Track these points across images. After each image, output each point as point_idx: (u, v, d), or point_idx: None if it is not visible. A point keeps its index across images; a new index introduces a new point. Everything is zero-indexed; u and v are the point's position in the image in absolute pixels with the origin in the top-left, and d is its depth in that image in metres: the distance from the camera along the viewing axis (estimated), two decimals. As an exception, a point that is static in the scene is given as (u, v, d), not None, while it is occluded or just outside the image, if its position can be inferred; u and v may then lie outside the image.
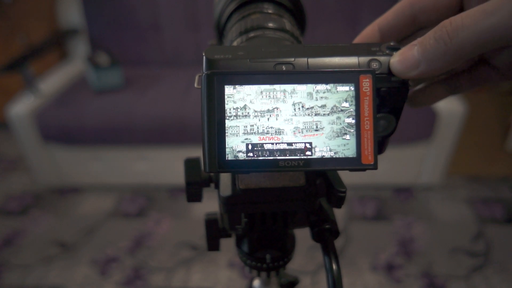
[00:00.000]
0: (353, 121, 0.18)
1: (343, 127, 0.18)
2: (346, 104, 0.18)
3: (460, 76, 0.26)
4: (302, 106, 0.18)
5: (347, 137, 0.18)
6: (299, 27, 0.30)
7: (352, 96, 0.18)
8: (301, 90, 0.18)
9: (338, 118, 0.18)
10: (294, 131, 0.18)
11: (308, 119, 0.18)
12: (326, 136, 0.18)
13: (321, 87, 0.18)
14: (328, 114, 0.18)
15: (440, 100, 0.28)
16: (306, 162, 0.19)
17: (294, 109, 0.18)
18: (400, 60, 0.19)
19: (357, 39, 0.25)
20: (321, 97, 0.18)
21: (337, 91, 0.18)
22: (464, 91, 0.27)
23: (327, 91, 0.18)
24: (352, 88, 0.18)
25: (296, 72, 0.19)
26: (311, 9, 1.69)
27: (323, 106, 0.18)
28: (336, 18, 1.75)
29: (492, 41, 0.16)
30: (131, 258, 1.33)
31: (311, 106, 0.18)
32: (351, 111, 0.18)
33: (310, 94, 0.18)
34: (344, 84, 0.18)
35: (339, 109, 0.18)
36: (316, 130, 0.18)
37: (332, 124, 0.18)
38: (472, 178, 1.68)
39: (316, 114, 0.18)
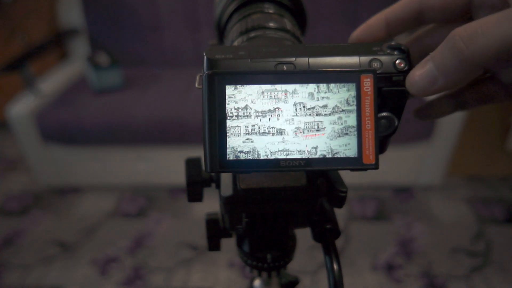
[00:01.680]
0: (355, 121, 0.19)
1: (344, 127, 0.18)
2: (347, 104, 0.18)
3: (467, 93, 0.26)
4: (304, 106, 0.18)
5: (348, 137, 0.18)
6: (300, 27, 0.30)
7: (354, 96, 0.18)
8: (303, 90, 0.18)
9: (340, 118, 0.18)
10: (295, 131, 0.18)
11: (309, 119, 0.18)
12: (327, 136, 0.18)
13: (322, 87, 0.18)
14: (330, 114, 0.18)
15: (447, 115, 0.28)
16: (307, 162, 0.19)
17: (296, 109, 0.18)
18: (416, 80, 0.18)
19: (363, 27, 0.25)
20: (323, 97, 0.18)
21: (338, 91, 0.18)
22: (471, 108, 0.26)
23: (329, 91, 0.18)
24: (354, 88, 0.18)
25: (297, 72, 0.19)
26: (311, 9, 1.69)
27: (325, 106, 0.18)
28: (336, 18, 1.75)
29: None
30: (131, 258, 1.33)
31: (312, 106, 0.18)
32: (352, 111, 0.18)
33: (311, 94, 0.18)
34: (345, 84, 0.18)
35: (341, 109, 0.18)
36: (318, 130, 0.18)
37: (333, 124, 0.18)
38: (472, 178, 1.68)
39: (317, 114, 0.18)
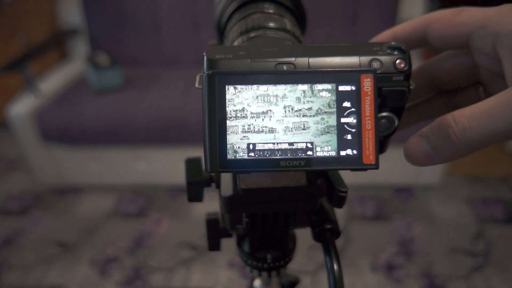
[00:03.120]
0: (355, 121, 0.19)
1: (326, 126, 0.19)
2: (328, 107, 0.19)
3: (459, 96, 0.27)
4: (292, 109, 0.19)
5: (330, 134, 0.19)
6: (300, 26, 0.30)
7: (334, 100, 0.19)
8: (291, 95, 0.19)
9: (322, 119, 0.19)
10: (285, 130, 0.19)
11: (296, 119, 0.19)
12: (312, 134, 0.19)
13: (308, 92, 0.19)
14: (314, 116, 0.19)
15: (439, 116, 0.28)
16: (307, 162, 0.19)
17: (285, 111, 0.19)
18: (415, 157, 0.20)
19: (374, 40, 0.26)
20: (308, 101, 0.19)
21: (321, 96, 0.19)
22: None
23: (313, 96, 0.19)
24: (334, 93, 0.19)
25: (297, 72, 0.19)
26: (311, 9, 1.69)
27: (310, 108, 0.19)
28: (336, 18, 1.75)
29: (499, 140, 0.18)
30: (131, 258, 1.33)
31: (299, 108, 0.19)
32: (333, 113, 0.19)
33: (298, 99, 0.19)
34: (328, 90, 0.19)
35: (323, 111, 0.19)
36: (303, 129, 0.19)
37: (317, 124, 0.19)
38: (472, 178, 1.68)
39: (303, 116, 0.19)
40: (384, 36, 0.26)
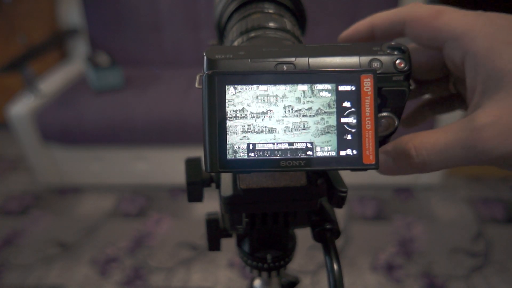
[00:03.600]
0: (355, 121, 0.19)
1: (326, 126, 0.19)
2: (328, 107, 0.19)
3: (441, 105, 0.29)
4: (292, 109, 0.19)
5: (330, 135, 0.19)
6: (300, 26, 0.30)
7: (334, 100, 0.19)
8: (291, 95, 0.19)
9: (322, 119, 0.19)
10: (284, 130, 0.19)
11: (296, 119, 0.19)
12: (312, 134, 0.19)
13: (308, 92, 0.19)
14: (314, 116, 0.19)
15: (428, 120, 0.31)
16: (307, 162, 0.19)
17: (285, 112, 0.19)
18: (383, 169, 0.23)
19: (351, 30, 0.27)
20: (308, 101, 0.19)
21: (321, 96, 0.19)
22: (446, 113, 0.30)
23: (313, 96, 0.19)
24: (334, 93, 0.19)
25: (297, 72, 0.19)
26: (311, 9, 1.69)
27: (309, 108, 0.19)
28: (336, 18, 1.75)
29: (451, 167, 0.21)
30: (131, 258, 1.33)
31: (299, 108, 0.19)
32: (333, 113, 0.19)
33: (298, 99, 0.19)
34: (328, 90, 0.19)
35: (323, 111, 0.19)
36: (303, 129, 0.19)
37: (317, 124, 0.19)
38: (472, 178, 1.68)
39: (303, 116, 0.19)
40: (361, 25, 0.26)
